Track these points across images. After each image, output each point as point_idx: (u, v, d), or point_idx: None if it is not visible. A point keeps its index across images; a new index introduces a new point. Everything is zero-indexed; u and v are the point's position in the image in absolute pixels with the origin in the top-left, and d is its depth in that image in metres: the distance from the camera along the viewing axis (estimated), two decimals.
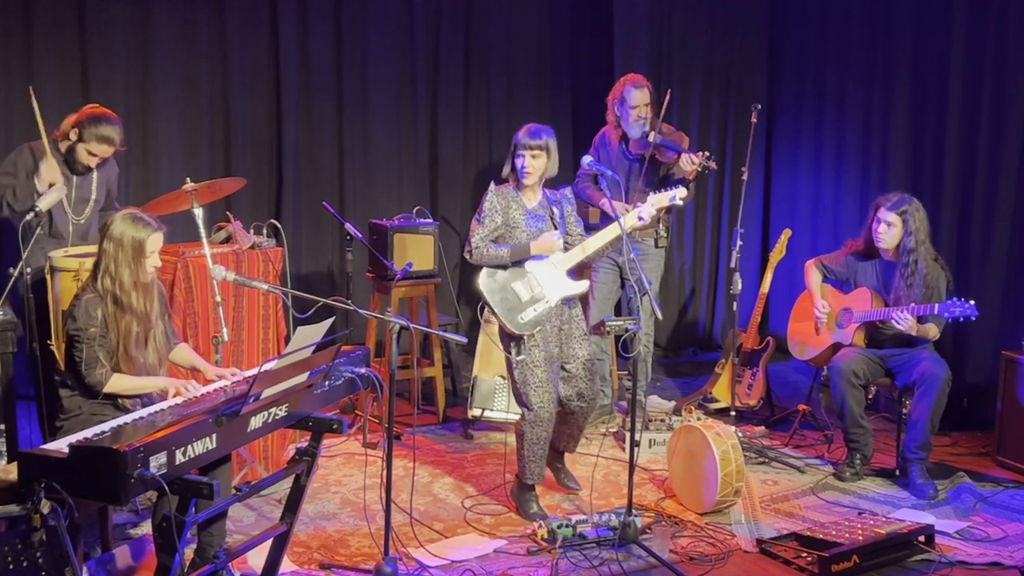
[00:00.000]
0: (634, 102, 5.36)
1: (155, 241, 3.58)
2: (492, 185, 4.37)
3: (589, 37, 7.49)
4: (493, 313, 4.28)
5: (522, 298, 4.28)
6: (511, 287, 4.29)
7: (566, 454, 4.73)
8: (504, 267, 4.31)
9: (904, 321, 4.65)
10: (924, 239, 4.78)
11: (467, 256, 4.34)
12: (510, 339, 4.31)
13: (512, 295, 4.28)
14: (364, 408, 5.33)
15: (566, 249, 4.40)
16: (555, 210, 4.40)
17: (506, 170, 4.42)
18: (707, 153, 5.25)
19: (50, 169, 4.34)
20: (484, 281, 4.30)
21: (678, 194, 4.43)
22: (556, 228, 4.36)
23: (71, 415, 3.56)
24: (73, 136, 4.41)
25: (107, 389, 3.51)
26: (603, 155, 5.55)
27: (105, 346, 3.52)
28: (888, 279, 4.87)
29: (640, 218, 4.37)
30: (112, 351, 3.54)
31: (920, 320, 4.71)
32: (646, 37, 7.23)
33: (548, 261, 4.33)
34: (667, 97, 5.41)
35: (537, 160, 4.27)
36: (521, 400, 4.34)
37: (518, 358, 4.28)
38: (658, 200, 4.42)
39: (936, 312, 4.61)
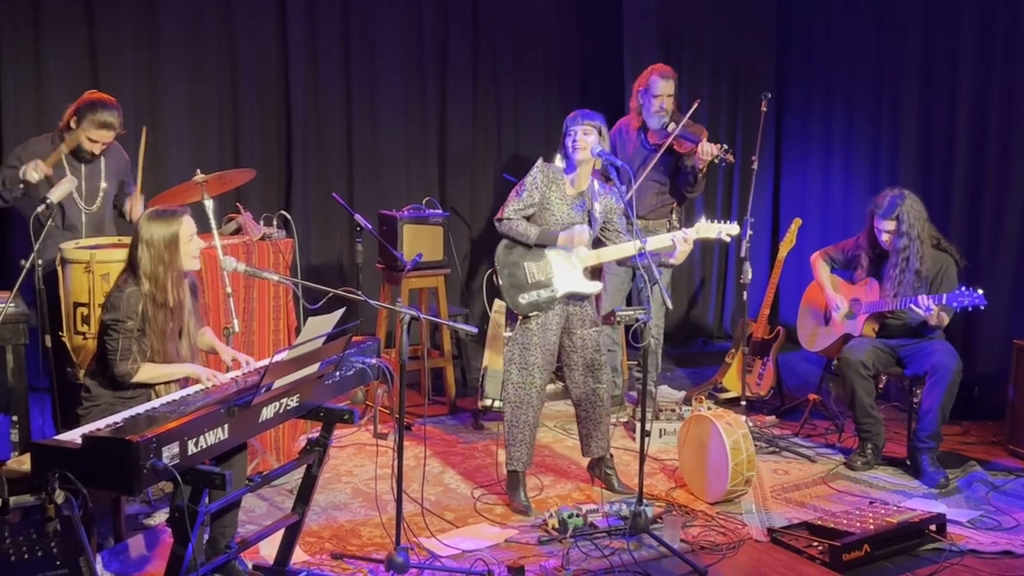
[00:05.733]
0: (658, 91, 5.41)
1: (187, 227, 3.57)
2: (539, 161, 4.34)
3: (597, 28, 7.46)
4: (498, 285, 4.29)
5: (529, 279, 4.27)
6: (523, 264, 4.29)
7: (614, 459, 4.64)
8: (526, 245, 4.30)
9: (930, 310, 4.60)
10: (919, 232, 4.74)
11: (496, 223, 4.33)
12: (513, 316, 4.33)
13: (522, 273, 4.28)
14: (375, 399, 5.34)
15: (596, 245, 4.37)
16: (596, 206, 4.33)
17: (559, 154, 4.35)
18: (725, 146, 5.27)
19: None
20: (501, 252, 4.32)
21: (727, 230, 4.33)
22: (590, 224, 4.32)
23: (94, 403, 3.56)
24: (73, 124, 4.40)
25: (136, 379, 3.51)
26: (620, 143, 5.58)
27: (140, 340, 3.51)
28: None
29: (679, 241, 4.25)
30: (146, 347, 3.53)
31: None
32: (655, 26, 7.20)
33: (570, 253, 4.32)
34: (695, 105, 5.49)
35: (588, 136, 4.22)
36: (505, 377, 4.36)
37: (506, 334, 4.30)
38: (705, 230, 4.32)
39: (944, 302, 4.58)
